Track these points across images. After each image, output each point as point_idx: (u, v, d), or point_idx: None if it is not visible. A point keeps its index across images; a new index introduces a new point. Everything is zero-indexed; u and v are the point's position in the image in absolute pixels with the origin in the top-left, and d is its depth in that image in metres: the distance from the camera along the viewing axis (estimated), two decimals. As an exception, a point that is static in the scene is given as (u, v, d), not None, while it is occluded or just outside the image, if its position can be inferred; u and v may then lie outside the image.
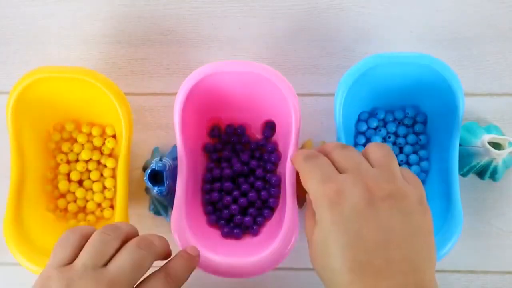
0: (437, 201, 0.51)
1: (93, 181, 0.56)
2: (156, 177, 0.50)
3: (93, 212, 0.56)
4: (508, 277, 0.56)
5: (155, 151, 0.57)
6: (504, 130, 0.57)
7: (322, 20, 0.59)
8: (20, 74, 0.58)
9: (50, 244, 0.51)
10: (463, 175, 0.56)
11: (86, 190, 0.56)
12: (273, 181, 0.54)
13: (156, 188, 0.49)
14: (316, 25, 0.59)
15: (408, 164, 0.55)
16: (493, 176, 0.55)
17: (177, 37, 0.60)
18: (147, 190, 0.57)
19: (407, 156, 0.55)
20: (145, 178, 0.49)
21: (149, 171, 0.49)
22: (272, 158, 0.55)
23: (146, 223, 0.57)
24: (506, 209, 0.57)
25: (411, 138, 0.55)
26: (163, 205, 0.56)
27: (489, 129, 0.56)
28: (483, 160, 0.53)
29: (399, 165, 0.55)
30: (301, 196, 0.53)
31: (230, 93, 0.53)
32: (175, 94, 0.50)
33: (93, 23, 0.60)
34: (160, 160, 0.50)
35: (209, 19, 0.60)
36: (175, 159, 0.52)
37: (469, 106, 0.57)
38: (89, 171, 0.56)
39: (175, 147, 0.55)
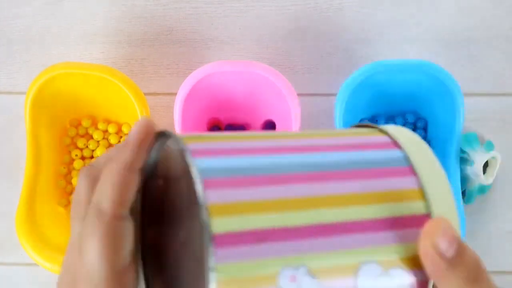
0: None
1: (107, 179, 0.56)
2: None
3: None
4: (508, 277, 0.56)
5: (155, 151, 0.57)
6: (504, 130, 0.57)
7: (322, 20, 0.59)
8: (20, 73, 0.58)
9: (60, 239, 0.51)
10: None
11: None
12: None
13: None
14: (316, 25, 0.59)
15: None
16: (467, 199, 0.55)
17: (177, 37, 0.60)
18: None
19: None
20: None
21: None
22: (272, 158, 0.55)
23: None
24: (506, 209, 0.57)
25: (412, 144, 0.55)
26: (163, 205, 0.56)
27: (467, 137, 0.55)
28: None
29: None
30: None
31: (230, 93, 0.53)
32: (175, 94, 0.50)
33: (93, 23, 0.60)
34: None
35: (209, 19, 0.60)
36: (175, 159, 0.52)
37: (469, 106, 0.57)
38: None
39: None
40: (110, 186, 0.25)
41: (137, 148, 0.26)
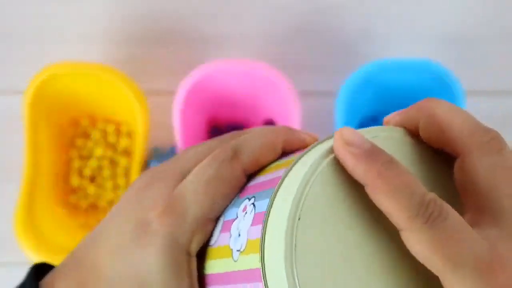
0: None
1: (105, 178, 0.56)
2: (155, 177, 0.49)
3: (104, 210, 0.56)
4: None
5: (155, 151, 0.57)
6: (505, 130, 0.57)
7: (322, 20, 0.59)
8: (18, 73, 0.58)
9: (59, 239, 0.51)
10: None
11: (98, 187, 0.56)
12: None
13: (155, 188, 0.48)
14: (316, 24, 0.59)
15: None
16: None
17: (177, 37, 0.59)
18: (146, 190, 0.57)
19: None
20: (144, 178, 0.49)
21: (148, 171, 0.49)
22: (273, 158, 0.55)
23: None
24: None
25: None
26: (162, 206, 0.55)
27: None
28: None
29: None
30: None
31: (230, 93, 0.53)
32: (174, 93, 0.50)
33: (93, 23, 0.60)
34: (160, 160, 0.49)
35: (209, 18, 0.59)
36: (174, 159, 0.52)
37: (470, 105, 0.57)
38: (101, 168, 0.56)
39: (175, 147, 0.55)
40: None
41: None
